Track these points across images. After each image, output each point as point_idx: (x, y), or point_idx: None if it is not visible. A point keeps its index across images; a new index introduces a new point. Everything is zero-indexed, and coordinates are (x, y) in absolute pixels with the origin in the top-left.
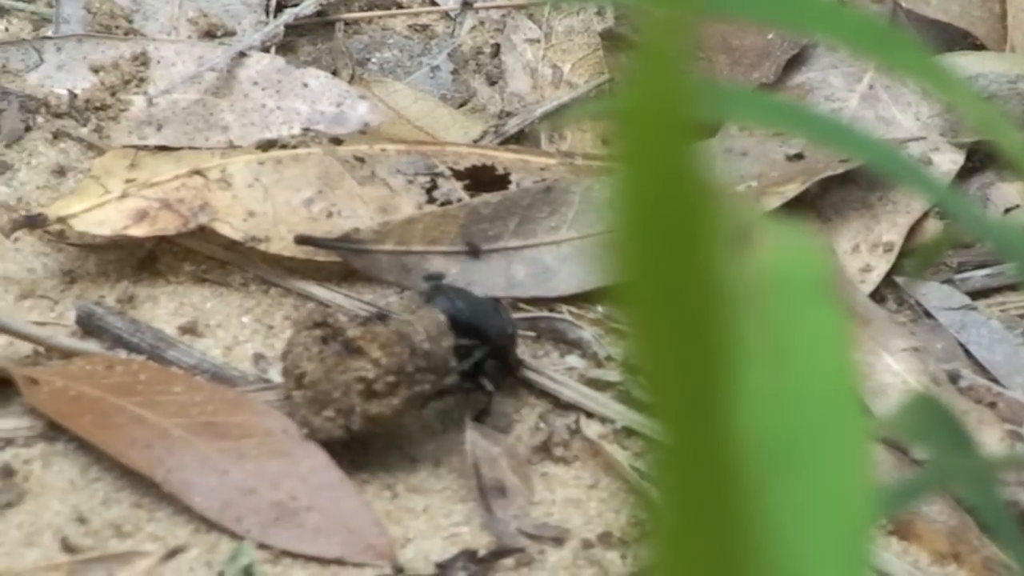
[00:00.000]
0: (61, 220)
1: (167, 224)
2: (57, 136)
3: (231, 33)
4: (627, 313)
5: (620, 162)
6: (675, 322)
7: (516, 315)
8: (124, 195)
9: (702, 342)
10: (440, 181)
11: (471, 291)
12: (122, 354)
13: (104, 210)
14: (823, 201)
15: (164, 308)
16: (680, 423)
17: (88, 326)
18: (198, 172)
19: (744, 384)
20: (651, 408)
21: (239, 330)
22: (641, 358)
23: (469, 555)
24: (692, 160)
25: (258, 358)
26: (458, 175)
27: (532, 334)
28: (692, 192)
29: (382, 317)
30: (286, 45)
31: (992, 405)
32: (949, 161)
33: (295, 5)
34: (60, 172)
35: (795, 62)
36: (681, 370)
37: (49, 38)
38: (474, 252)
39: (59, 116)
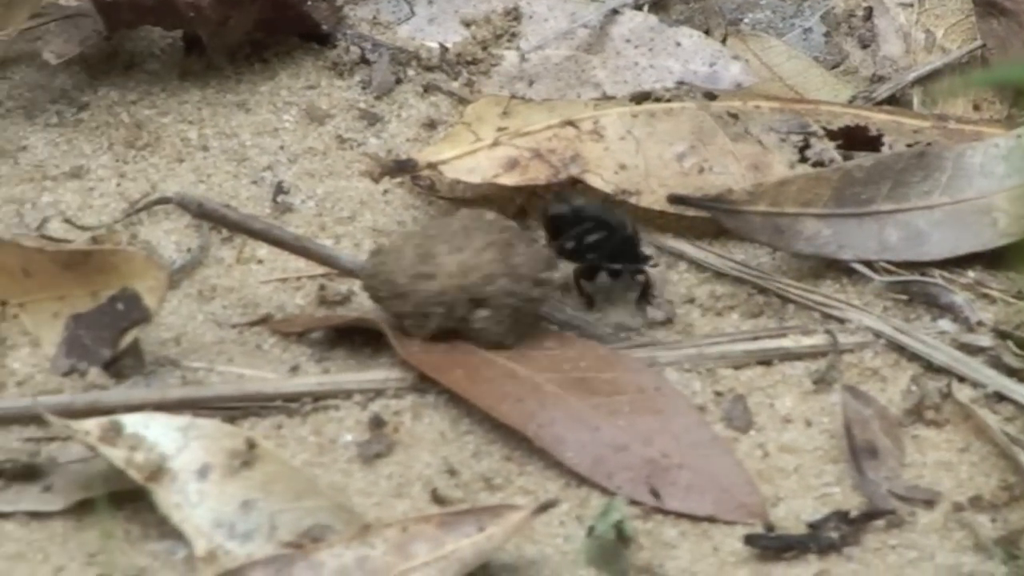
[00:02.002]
0: (431, 166)
1: (537, 174)
2: (427, 89)
3: None
4: None
5: None
6: None
7: (888, 279)
8: (495, 143)
9: None
10: (813, 140)
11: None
12: None
13: (475, 157)
14: None
15: None
16: None
17: None
18: (570, 123)
19: None
20: None
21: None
22: None
23: (840, 516)
24: None
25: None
26: (831, 135)
27: (904, 297)
28: None
29: None
30: (659, 3)
31: None
32: None
33: None
34: (430, 125)
35: None
36: None
37: None
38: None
39: (430, 69)
